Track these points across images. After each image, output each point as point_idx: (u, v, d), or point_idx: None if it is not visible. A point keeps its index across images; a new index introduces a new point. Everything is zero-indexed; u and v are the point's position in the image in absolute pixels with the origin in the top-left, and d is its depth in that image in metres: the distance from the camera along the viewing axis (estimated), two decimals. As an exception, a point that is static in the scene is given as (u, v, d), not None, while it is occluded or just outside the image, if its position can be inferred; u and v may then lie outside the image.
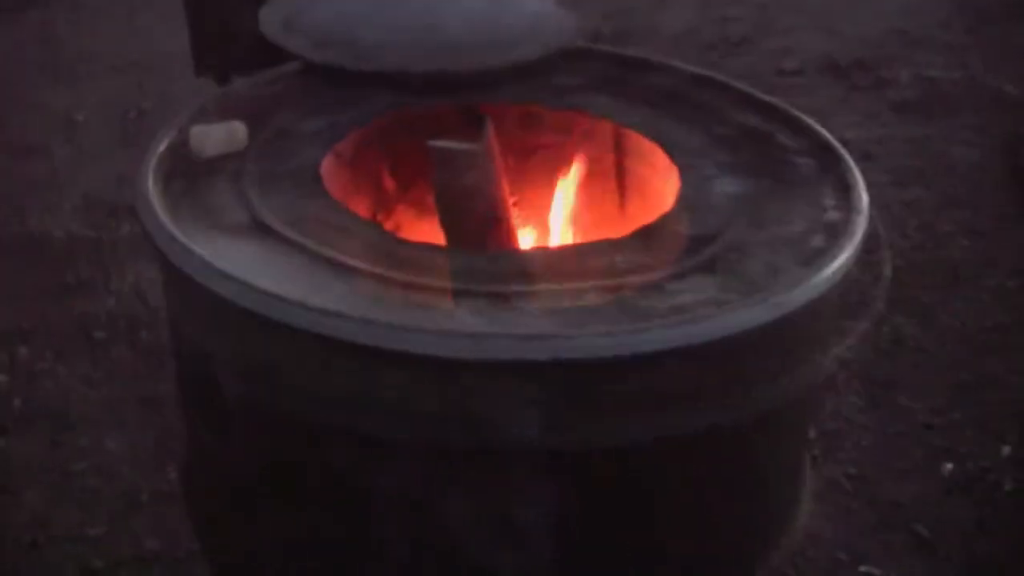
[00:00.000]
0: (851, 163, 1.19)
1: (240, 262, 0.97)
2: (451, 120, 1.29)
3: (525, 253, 1.20)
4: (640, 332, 0.90)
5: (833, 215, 1.11)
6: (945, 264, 3.08)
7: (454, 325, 0.92)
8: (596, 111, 1.33)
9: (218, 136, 1.20)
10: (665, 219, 1.11)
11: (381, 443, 0.96)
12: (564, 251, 1.20)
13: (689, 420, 0.94)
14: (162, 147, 1.18)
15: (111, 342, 2.75)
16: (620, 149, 1.30)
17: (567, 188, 1.30)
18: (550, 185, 1.31)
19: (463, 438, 0.91)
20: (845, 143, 1.52)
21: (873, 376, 2.57)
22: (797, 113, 1.31)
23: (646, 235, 1.08)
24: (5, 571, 2.12)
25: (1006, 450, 2.31)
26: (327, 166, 1.19)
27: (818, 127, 1.28)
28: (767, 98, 1.35)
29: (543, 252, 1.22)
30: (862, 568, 2.06)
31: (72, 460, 2.37)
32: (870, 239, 1.12)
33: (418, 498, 0.97)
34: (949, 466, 2.29)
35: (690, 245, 1.06)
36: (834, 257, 1.02)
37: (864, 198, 1.12)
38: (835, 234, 1.07)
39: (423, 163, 1.20)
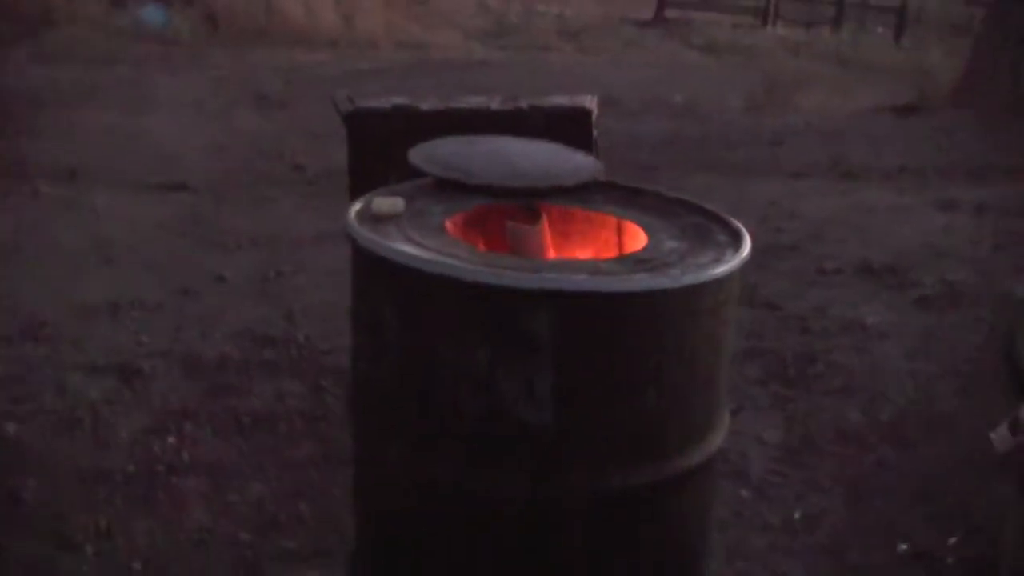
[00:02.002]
0: (746, 240, 2.30)
1: (403, 252, 2.12)
2: (518, 213, 2.45)
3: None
4: (603, 280, 2.03)
5: (727, 257, 2.22)
6: (936, 413, 4.07)
7: (511, 275, 2.05)
8: (607, 212, 2.49)
9: (388, 203, 2.36)
10: (631, 255, 2.25)
11: (470, 344, 2.06)
12: (576, 259, 2.35)
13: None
14: (357, 206, 2.34)
15: (255, 426, 3.87)
16: (620, 230, 2.45)
17: (586, 248, 2.45)
18: (580, 248, 2.47)
19: (503, 330, 2.01)
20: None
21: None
22: (725, 216, 2.43)
23: (620, 258, 2.22)
24: (181, 558, 3.17)
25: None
26: (447, 225, 2.34)
27: (734, 223, 2.39)
28: (709, 207, 2.48)
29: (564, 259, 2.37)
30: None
31: (228, 492, 3.46)
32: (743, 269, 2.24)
33: (485, 376, 2.06)
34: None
35: (641, 262, 2.18)
36: (716, 269, 2.13)
37: (743, 255, 2.22)
38: (724, 263, 2.18)
39: (500, 234, 2.37)
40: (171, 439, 3.75)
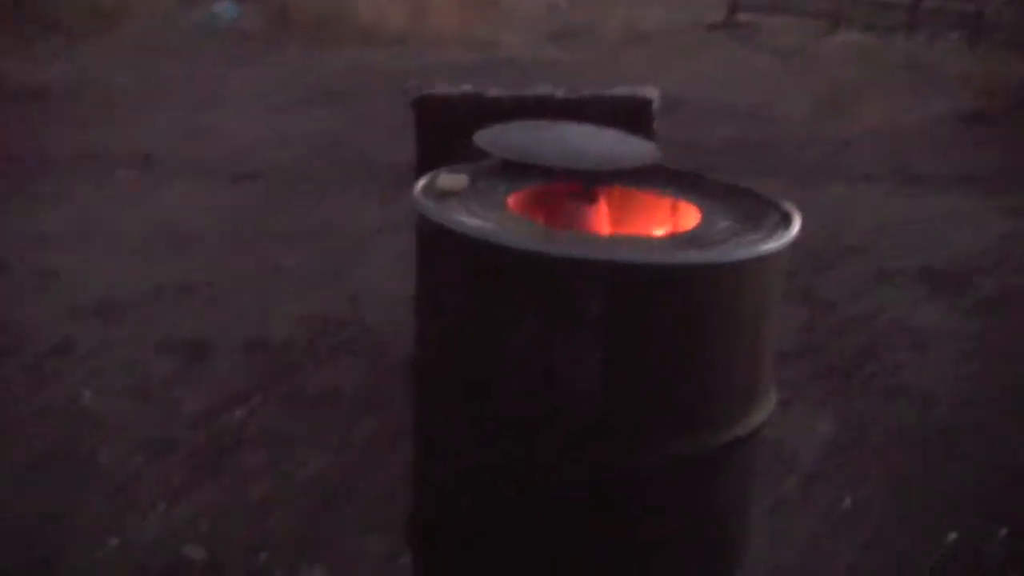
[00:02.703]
0: (797, 220, 2.41)
1: (464, 223, 2.26)
2: (578, 193, 2.59)
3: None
4: (654, 254, 2.15)
5: (777, 236, 2.34)
6: (988, 418, 4.11)
7: (565, 247, 2.18)
8: (664, 194, 2.62)
9: (452, 180, 2.50)
10: (683, 233, 2.38)
11: (525, 314, 2.19)
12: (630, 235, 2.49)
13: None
14: (423, 182, 2.49)
15: (318, 403, 4.02)
16: (675, 210, 2.58)
17: (642, 226, 2.58)
18: (636, 227, 2.60)
19: (557, 300, 2.15)
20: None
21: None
22: (777, 199, 2.54)
23: (673, 236, 2.35)
24: (244, 524, 3.32)
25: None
26: (508, 202, 2.48)
27: (786, 205, 2.51)
28: (762, 192, 2.60)
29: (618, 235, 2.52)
30: None
31: (291, 465, 3.60)
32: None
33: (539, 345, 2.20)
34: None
35: (692, 239, 2.31)
36: (765, 246, 2.25)
37: (793, 234, 2.34)
38: (773, 241, 2.30)
39: (560, 212, 2.51)
40: (238, 413, 3.91)
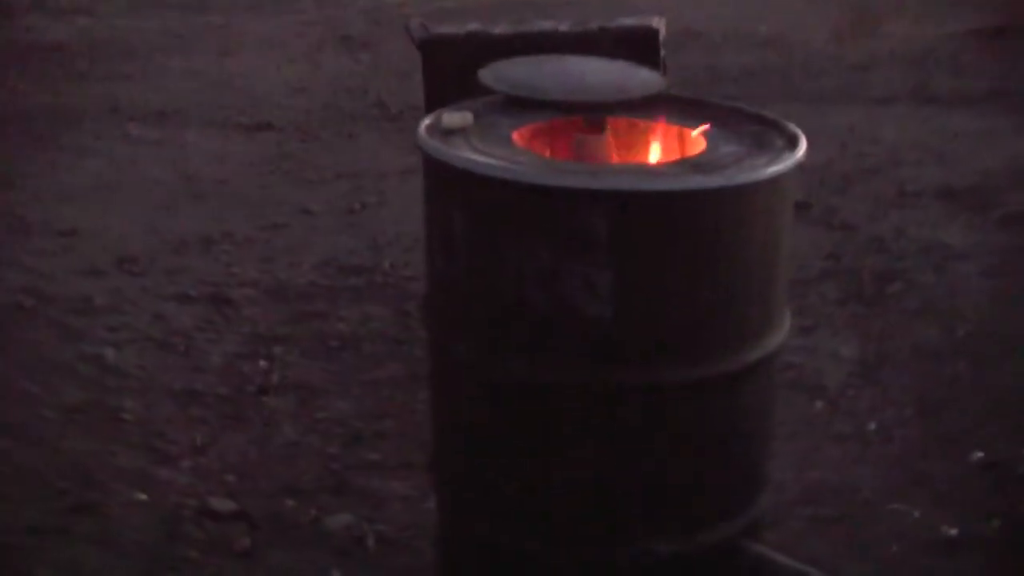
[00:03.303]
0: (802, 142, 2.37)
1: (468, 158, 2.24)
2: (584, 125, 2.56)
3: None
4: (657, 179, 2.13)
5: (783, 158, 2.30)
6: (1013, 332, 4.07)
7: (570, 177, 2.15)
8: (669, 121, 2.58)
9: (457, 117, 2.47)
10: (688, 158, 2.35)
11: (533, 244, 2.18)
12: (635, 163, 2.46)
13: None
14: (427, 121, 2.46)
15: (341, 349, 4.02)
16: (681, 137, 2.54)
17: (649, 155, 2.55)
18: (643, 156, 2.57)
19: (564, 229, 2.13)
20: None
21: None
22: (783, 122, 2.50)
23: (678, 161, 2.33)
24: (271, 470, 3.32)
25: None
26: (514, 137, 2.45)
27: (791, 127, 2.47)
28: (766, 114, 2.56)
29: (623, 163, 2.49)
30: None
31: (316, 410, 3.62)
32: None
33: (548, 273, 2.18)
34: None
35: (698, 165, 2.28)
36: (769, 169, 2.22)
37: (799, 156, 2.31)
38: (778, 163, 2.26)
39: (566, 145, 2.49)
40: (261, 362, 3.93)
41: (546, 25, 3.52)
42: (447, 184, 2.30)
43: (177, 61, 8.36)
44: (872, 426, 3.54)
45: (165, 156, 6.24)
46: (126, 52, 8.62)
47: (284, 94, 7.55)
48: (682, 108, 2.64)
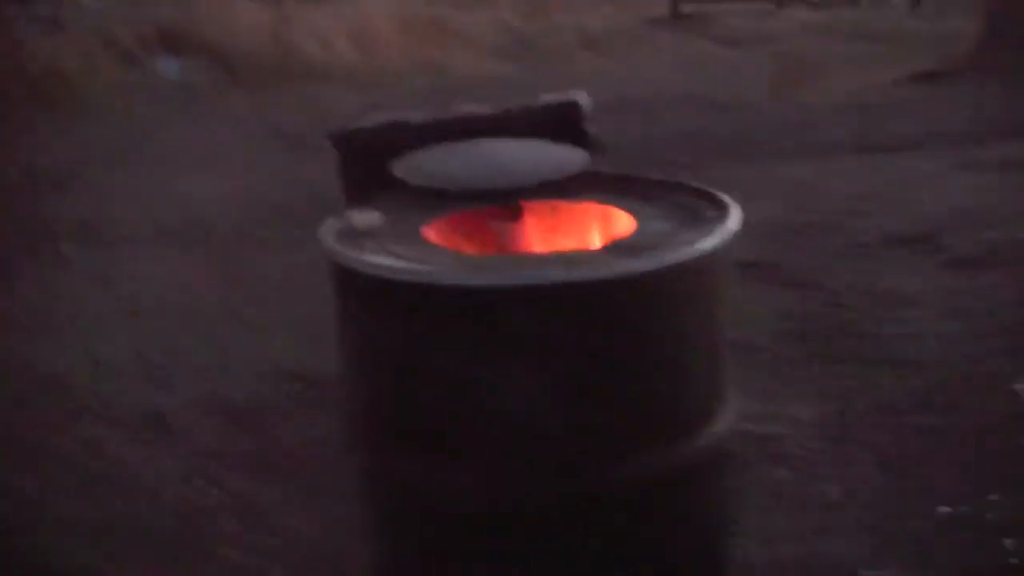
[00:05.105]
0: (734, 212, 2.24)
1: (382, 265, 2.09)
2: (501, 212, 2.41)
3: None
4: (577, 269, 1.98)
5: (713, 232, 2.16)
6: (970, 375, 3.97)
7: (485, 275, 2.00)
8: (593, 201, 2.44)
9: (364, 218, 2.32)
10: (616, 242, 2.20)
11: (455, 350, 2.01)
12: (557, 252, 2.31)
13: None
14: (329, 224, 2.31)
15: (284, 464, 3.82)
16: (606, 218, 2.40)
17: (574, 239, 2.40)
18: (568, 240, 2.42)
19: (485, 330, 1.97)
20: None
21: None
22: (712, 191, 2.37)
23: (605, 246, 2.17)
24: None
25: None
26: (428, 233, 2.30)
27: (722, 196, 2.33)
28: (696, 184, 2.42)
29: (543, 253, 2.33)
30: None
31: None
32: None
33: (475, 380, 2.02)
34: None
35: (625, 248, 2.13)
36: (698, 245, 2.07)
37: (731, 228, 2.16)
38: (708, 238, 2.12)
39: (486, 236, 2.34)
40: (202, 483, 3.73)
41: (466, 108, 3.37)
42: (356, 292, 2.15)
43: (108, 175, 8.17)
44: (836, 490, 3.39)
45: (96, 275, 6.03)
46: (56, 171, 8.40)
47: (221, 200, 7.38)
48: (607, 185, 2.50)
